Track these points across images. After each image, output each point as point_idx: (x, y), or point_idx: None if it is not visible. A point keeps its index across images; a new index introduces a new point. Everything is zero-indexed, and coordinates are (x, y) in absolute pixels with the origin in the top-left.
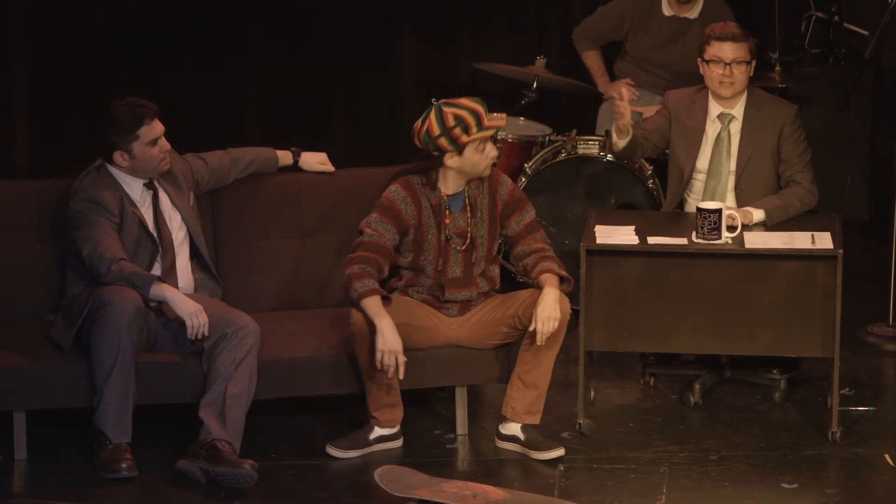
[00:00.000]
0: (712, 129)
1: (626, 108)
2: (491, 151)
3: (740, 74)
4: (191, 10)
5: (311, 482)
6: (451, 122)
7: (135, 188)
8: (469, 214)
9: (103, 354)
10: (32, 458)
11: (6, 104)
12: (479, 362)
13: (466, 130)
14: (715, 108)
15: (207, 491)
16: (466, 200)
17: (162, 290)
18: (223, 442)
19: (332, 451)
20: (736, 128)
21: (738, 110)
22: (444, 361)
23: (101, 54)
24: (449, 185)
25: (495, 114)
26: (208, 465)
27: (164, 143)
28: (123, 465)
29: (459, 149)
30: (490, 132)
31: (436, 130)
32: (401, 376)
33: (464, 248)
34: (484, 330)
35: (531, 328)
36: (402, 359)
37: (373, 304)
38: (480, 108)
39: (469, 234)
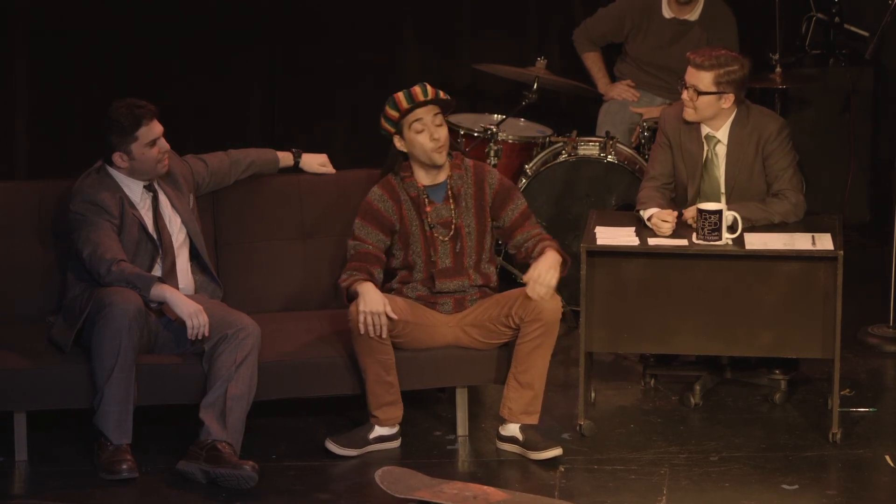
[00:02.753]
0: (703, 151)
1: (668, 231)
2: (435, 133)
3: (699, 102)
4: (192, 11)
5: (311, 483)
6: (386, 102)
7: (135, 190)
8: (452, 205)
9: (104, 356)
10: (33, 459)
11: (7, 105)
12: (479, 363)
13: (396, 107)
14: (704, 129)
15: (208, 492)
16: (449, 191)
17: (162, 291)
18: (224, 443)
19: (331, 446)
20: (722, 150)
21: (722, 133)
22: (444, 363)
23: (101, 55)
24: (420, 175)
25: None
26: (209, 466)
27: (164, 144)
28: (124, 466)
29: (398, 129)
30: (421, 114)
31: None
32: (383, 335)
33: (448, 237)
34: (481, 329)
35: (525, 277)
36: (384, 319)
37: (360, 286)
38: (417, 88)
39: (453, 224)
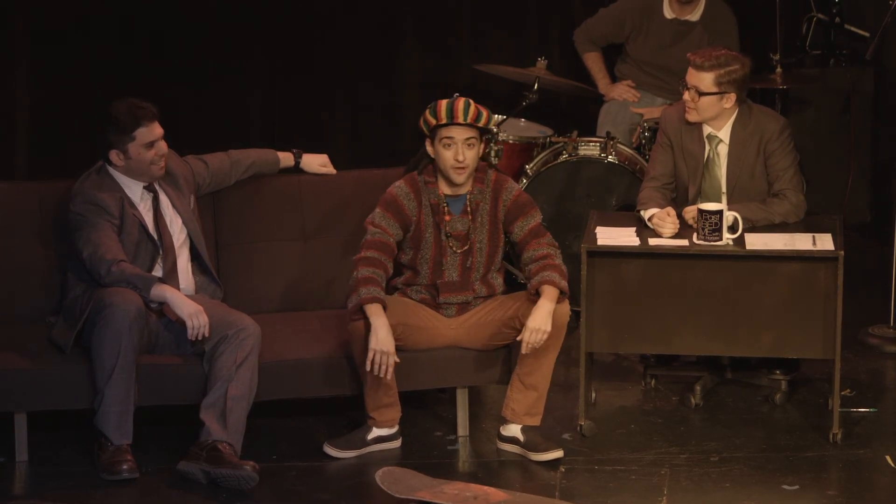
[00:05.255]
0: (704, 150)
1: (671, 231)
2: (461, 154)
3: (700, 102)
4: (192, 12)
5: (312, 483)
6: (429, 105)
7: (135, 190)
8: (470, 218)
9: (104, 356)
10: (33, 459)
11: (7, 106)
12: (480, 364)
13: (434, 114)
14: (705, 129)
15: (208, 492)
16: (468, 205)
17: (162, 291)
18: (224, 443)
19: (330, 450)
20: (723, 150)
21: (724, 132)
22: (445, 363)
23: (101, 55)
24: (442, 184)
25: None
26: (209, 466)
27: (162, 147)
28: (124, 467)
29: (431, 135)
30: (454, 132)
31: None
32: (388, 377)
33: (461, 251)
34: (483, 331)
35: (518, 338)
36: (391, 360)
37: (372, 308)
38: (460, 105)
39: (469, 239)
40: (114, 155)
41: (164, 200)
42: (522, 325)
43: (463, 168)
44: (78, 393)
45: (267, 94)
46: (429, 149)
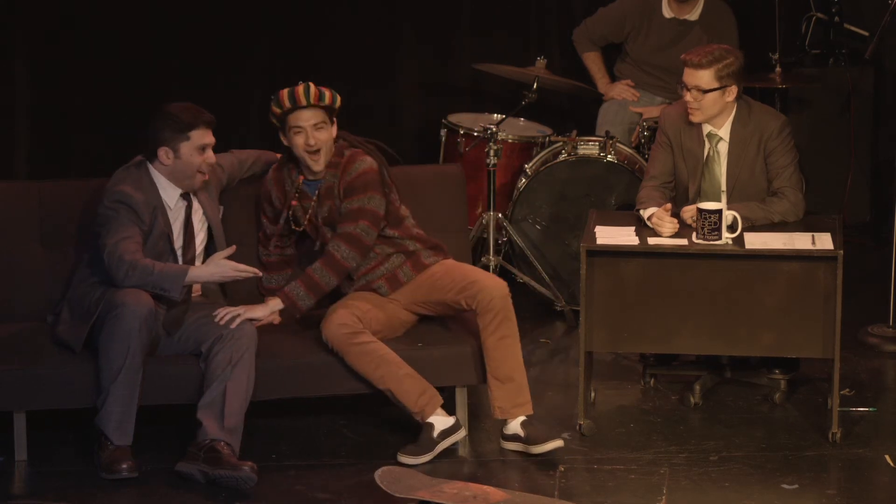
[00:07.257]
0: (704, 149)
1: (671, 231)
2: (310, 139)
3: (704, 101)
4: (193, 12)
5: (311, 484)
6: (272, 97)
7: (171, 194)
8: (315, 202)
9: (113, 356)
10: (33, 459)
11: (7, 106)
12: (480, 363)
13: (279, 104)
14: (705, 127)
15: (208, 492)
16: (319, 190)
17: (192, 280)
18: (222, 443)
19: (405, 458)
20: (723, 148)
21: (724, 130)
22: (444, 362)
23: (101, 56)
24: (305, 170)
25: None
26: (207, 467)
27: (211, 156)
28: (124, 466)
29: (281, 126)
30: (301, 117)
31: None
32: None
33: (300, 230)
34: (438, 306)
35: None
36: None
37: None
38: (300, 89)
39: (306, 220)
40: (162, 153)
41: (196, 209)
42: (469, 306)
43: (316, 152)
44: (78, 392)
45: (267, 94)
46: (283, 140)
